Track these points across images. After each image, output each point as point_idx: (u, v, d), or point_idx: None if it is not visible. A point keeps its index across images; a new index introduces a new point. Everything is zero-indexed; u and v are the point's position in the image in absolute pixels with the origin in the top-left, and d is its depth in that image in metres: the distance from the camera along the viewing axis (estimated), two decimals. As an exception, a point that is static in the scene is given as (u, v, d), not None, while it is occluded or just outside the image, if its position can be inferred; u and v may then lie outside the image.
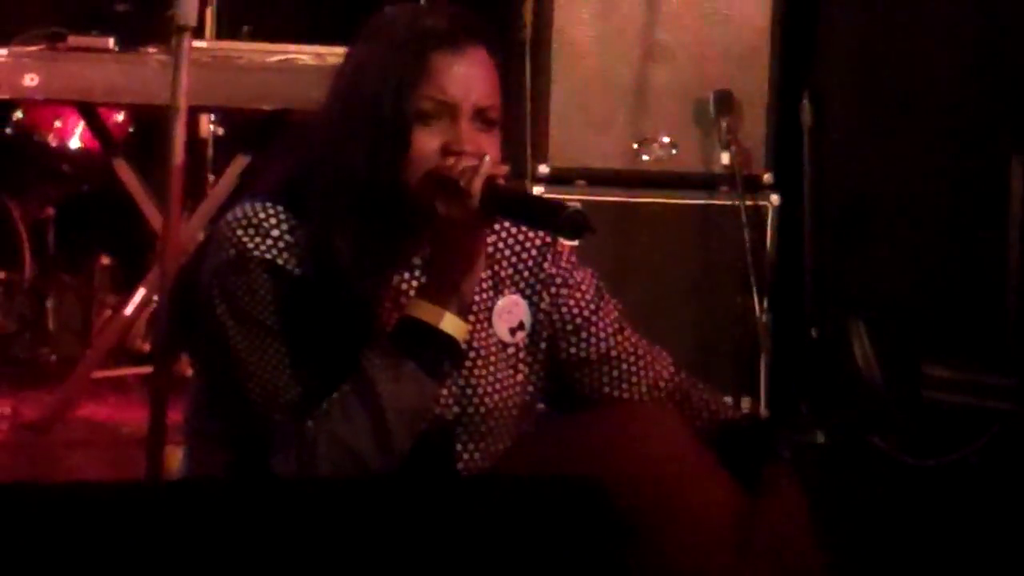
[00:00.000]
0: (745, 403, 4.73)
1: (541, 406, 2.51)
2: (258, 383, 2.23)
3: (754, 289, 4.66)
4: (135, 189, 4.66)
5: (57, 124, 5.30)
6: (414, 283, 2.34)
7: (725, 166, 4.75)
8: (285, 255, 2.25)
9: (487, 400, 2.37)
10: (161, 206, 4.38)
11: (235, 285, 2.25)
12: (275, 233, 2.26)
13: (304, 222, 2.27)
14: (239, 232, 2.26)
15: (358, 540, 1.79)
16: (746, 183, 4.74)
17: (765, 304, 4.68)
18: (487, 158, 2.23)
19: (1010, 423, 4.32)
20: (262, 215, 2.27)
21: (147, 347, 5.24)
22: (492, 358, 2.39)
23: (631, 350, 2.48)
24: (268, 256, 2.25)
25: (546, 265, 2.47)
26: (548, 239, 2.48)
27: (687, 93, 4.78)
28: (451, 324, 2.23)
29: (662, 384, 2.48)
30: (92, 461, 4.36)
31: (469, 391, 2.36)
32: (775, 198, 4.78)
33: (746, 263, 4.67)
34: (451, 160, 2.23)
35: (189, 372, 4.77)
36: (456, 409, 2.35)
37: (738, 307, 4.69)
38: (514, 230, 2.47)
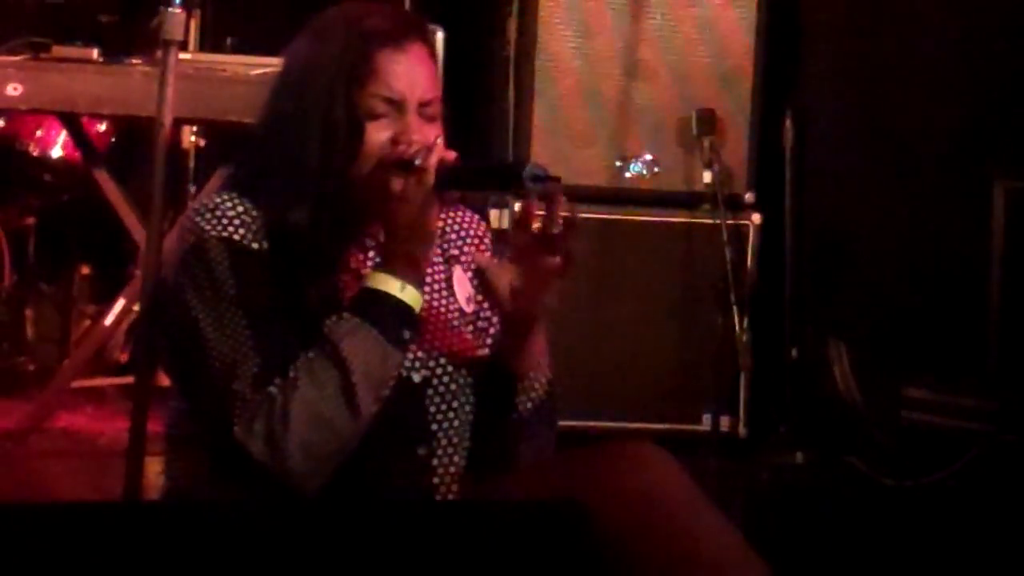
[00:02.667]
0: (724, 422, 4.73)
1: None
2: (219, 356, 2.31)
3: (734, 308, 4.67)
4: (116, 199, 4.64)
5: (39, 133, 5.28)
6: (368, 262, 2.45)
7: (707, 185, 4.77)
8: (241, 231, 2.36)
9: (452, 363, 2.46)
10: (142, 216, 4.40)
11: (195, 267, 2.35)
12: (231, 214, 2.36)
13: (260, 207, 2.38)
14: (196, 219, 2.37)
15: (341, 564, 1.78)
16: (727, 202, 4.75)
17: (745, 323, 4.69)
18: (440, 140, 2.36)
19: (989, 445, 4.33)
20: (217, 200, 2.38)
21: (126, 357, 5.23)
22: (454, 323, 2.49)
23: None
24: (224, 234, 2.35)
25: (487, 252, 2.59)
26: (486, 228, 2.62)
27: (669, 112, 4.79)
28: (408, 294, 2.34)
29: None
30: (69, 471, 4.34)
31: (435, 354, 2.45)
32: (756, 217, 4.80)
33: (727, 282, 4.67)
34: (405, 146, 2.36)
35: (167, 382, 4.79)
36: (424, 372, 2.44)
37: (718, 326, 4.70)
38: (458, 217, 2.60)
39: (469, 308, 2.52)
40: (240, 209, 2.37)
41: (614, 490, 2.22)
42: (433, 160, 2.33)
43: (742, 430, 4.75)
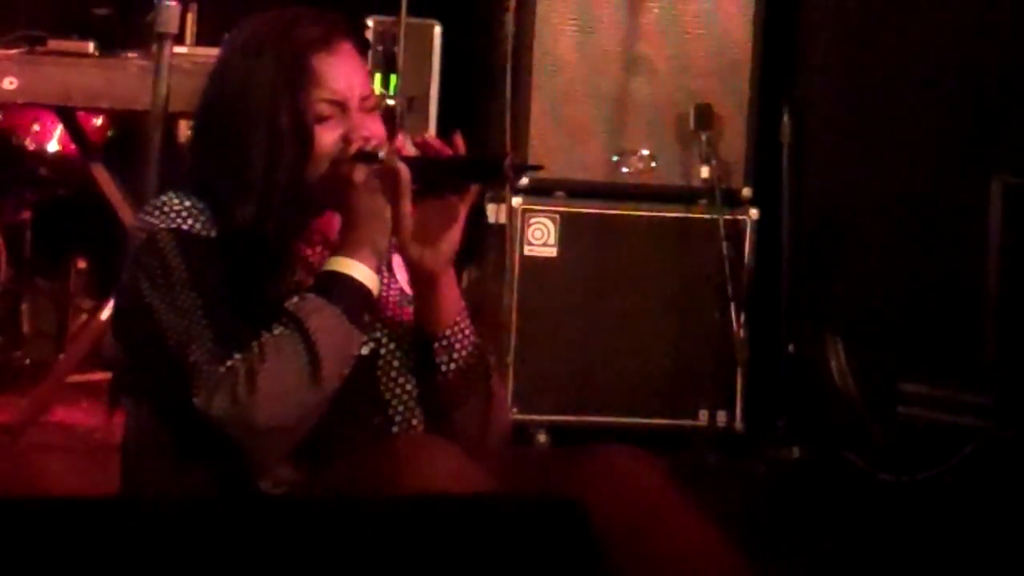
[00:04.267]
0: (721, 417, 4.73)
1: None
2: (173, 334, 2.36)
3: (731, 303, 4.67)
4: (112, 193, 4.64)
5: (35, 127, 5.28)
6: (319, 255, 2.50)
7: (704, 180, 4.76)
8: (190, 221, 2.42)
9: (396, 332, 2.53)
10: (138, 211, 4.39)
11: (148, 259, 2.40)
12: (178, 207, 2.42)
13: (207, 201, 2.44)
14: (146, 217, 2.44)
15: (338, 560, 1.78)
16: (725, 197, 4.75)
17: (742, 318, 4.69)
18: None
19: (985, 441, 4.33)
20: (164, 199, 2.45)
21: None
22: (397, 301, 2.56)
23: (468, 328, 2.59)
24: (173, 225, 2.41)
25: None
26: None
27: (667, 106, 4.79)
28: (368, 278, 2.40)
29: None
30: (64, 466, 4.34)
31: (380, 325, 2.51)
32: (754, 212, 4.79)
33: (724, 277, 4.67)
34: (359, 142, 2.44)
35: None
36: (372, 345, 2.49)
37: (715, 321, 4.70)
38: None
39: (409, 289, 2.56)
40: (187, 203, 2.43)
41: (598, 493, 2.24)
42: (395, 153, 2.40)
43: (739, 425, 4.75)
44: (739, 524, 2.54)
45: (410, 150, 2.44)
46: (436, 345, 2.50)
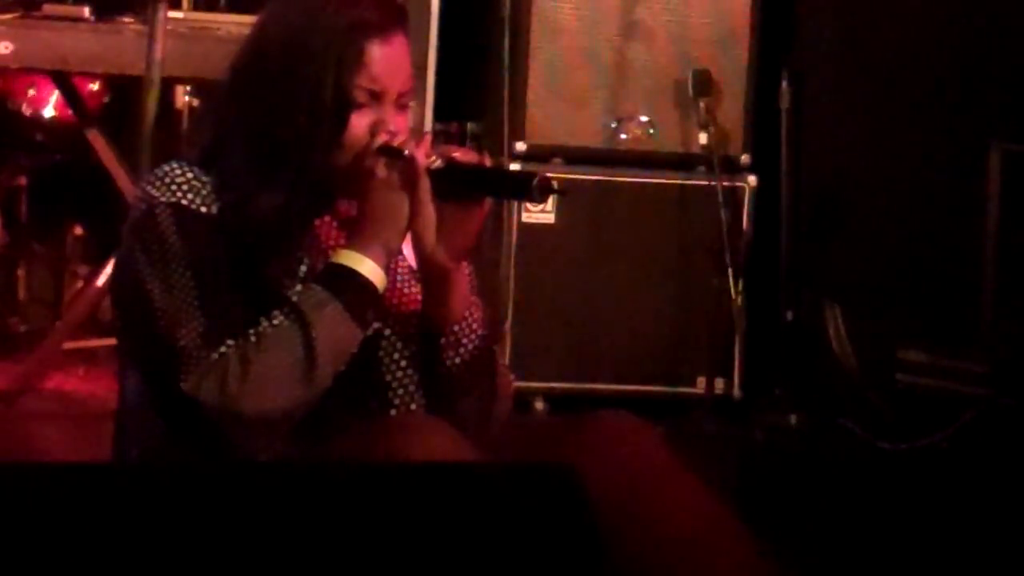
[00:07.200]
0: (719, 384, 4.73)
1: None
2: (164, 314, 2.34)
3: (729, 271, 4.66)
4: (109, 159, 4.63)
5: (31, 92, 5.26)
6: (333, 232, 2.49)
7: (702, 146, 4.75)
8: (190, 195, 2.39)
9: (401, 314, 2.50)
10: (135, 176, 4.38)
11: (145, 232, 2.38)
12: (179, 180, 2.40)
13: (216, 176, 2.41)
14: (147, 187, 2.41)
15: (331, 527, 1.78)
16: (723, 164, 4.74)
17: (740, 286, 4.68)
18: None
19: (983, 409, 4.32)
20: (167, 168, 2.42)
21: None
22: (405, 279, 2.53)
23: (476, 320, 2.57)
24: (173, 199, 2.38)
25: None
26: None
27: (666, 72, 4.77)
28: (376, 275, 2.38)
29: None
30: (60, 433, 4.34)
31: (385, 307, 2.48)
32: (752, 180, 4.79)
33: (722, 244, 4.66)
34: (384, 135, 2.41)
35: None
36: (377, 325, 2.46)
37: (713, 288, 4.69)
38: None
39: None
40: (190, 175, 2.40)
41: (593, 460, 2.23)
42: (421, 153, 2.37)
43: (737, 392, 4.75)
44: (736, 491, 2.54)
45: (427, 147, 2.41)
46: (443, 340, 2.48)
